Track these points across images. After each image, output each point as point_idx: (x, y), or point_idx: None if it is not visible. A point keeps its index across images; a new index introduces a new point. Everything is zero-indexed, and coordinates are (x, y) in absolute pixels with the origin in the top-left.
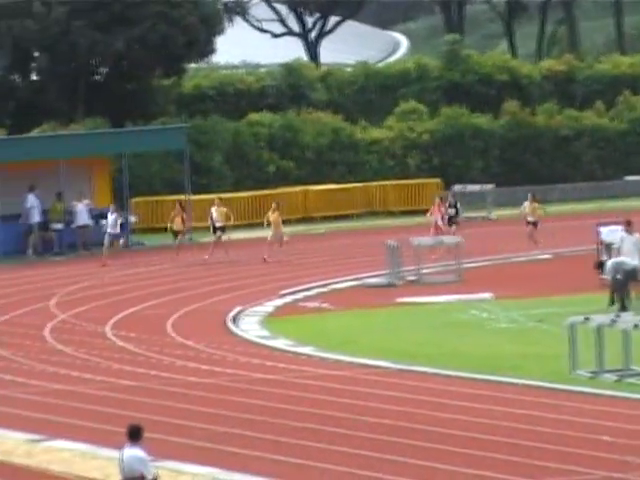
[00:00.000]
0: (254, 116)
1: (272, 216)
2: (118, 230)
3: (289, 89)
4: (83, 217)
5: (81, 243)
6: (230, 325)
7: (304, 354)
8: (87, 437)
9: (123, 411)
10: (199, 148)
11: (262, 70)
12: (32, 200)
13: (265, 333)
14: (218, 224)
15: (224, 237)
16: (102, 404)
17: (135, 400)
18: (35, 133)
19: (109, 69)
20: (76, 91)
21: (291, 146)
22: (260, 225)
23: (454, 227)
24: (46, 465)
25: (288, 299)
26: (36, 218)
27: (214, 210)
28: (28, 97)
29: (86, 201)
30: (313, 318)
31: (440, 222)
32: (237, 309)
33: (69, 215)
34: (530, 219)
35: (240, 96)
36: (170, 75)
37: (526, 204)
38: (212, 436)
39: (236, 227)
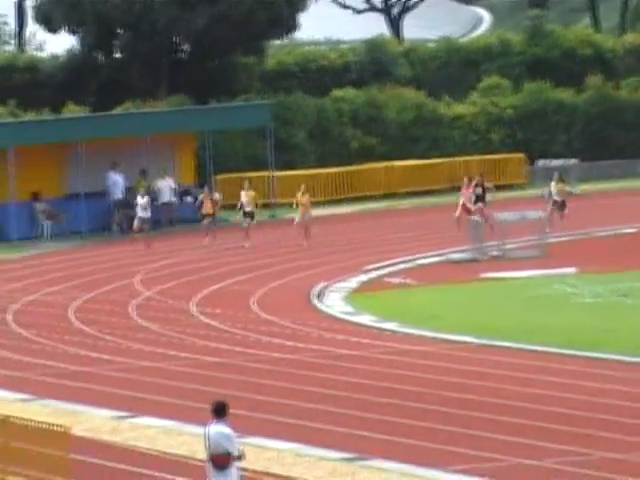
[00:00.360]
0: (337, 92)
1: (302, 198)
2: (149, 214)
3: (372, 65)
4: (166, 194)
5: (166, 220)
6: (314, 301)
7: (388, 330)
8: (173, 414)
9: (208, 387)
10: (282, 125)
11: (345, 46)
12: (113, 177)
13: (349, 309)
14: (248, 209)
15: (250, 222)
16: (187, 381)
17: (220, 376)
18: (119, 111)
19: (191, 47)
20: (159, 69)
21: (374, 122)
22: (344, 201)
23: (479, 205)
24: (132, 442)
25: (372, 275)
26: (118, 195)
27: (243, 194)
28: (111, 75)
29: (169, 178)
30: (397, 294)
31: (469, 203)
32: (321, 285)
33: (153, 192)
34: (556, 199)
35: (323, 72)
36: (252, 53)
37: (553, 184)
38: (297, 412)
39: (320, 204)
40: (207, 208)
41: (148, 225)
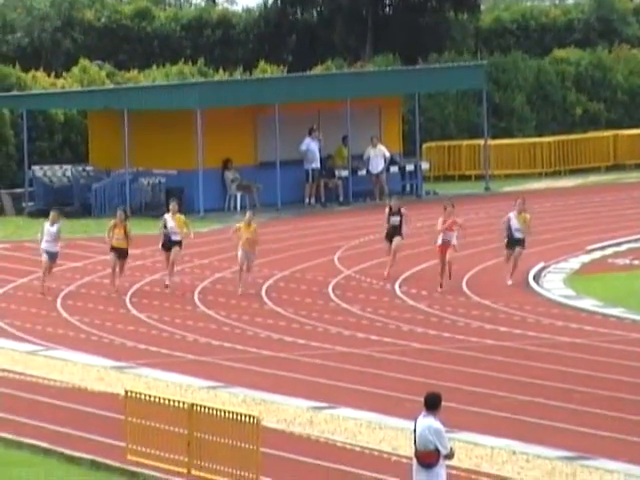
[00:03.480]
0: (560, 53)
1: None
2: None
3: (599, 23)
4: (378, 164)
5: (377, 192)
6: (532, 283)
7: (613, 316)
8: (373, 405)
9: (414, 377)
10: (498, 88)
11: (569, 2)
12: (308, 143)
13: (570, 292)
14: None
15: None
16: (391, 369)
17: (427, 364)
18: (318, 71)
19: (399, 1)
20: (363, 25)
21: (601, 86)
22: (565, 173)
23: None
24: (329, 435)
25: (596, 255)
26: (315, 164)
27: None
28: (310, 32)
29: (381, 146)
30: (623, 276)
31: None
32: (540, 266)
33: (357, 161)
34: None
35: (544, 31)
36: (465, 9)
37: None
38: (511, 405)
39: (538, 176)
40: None
41: None
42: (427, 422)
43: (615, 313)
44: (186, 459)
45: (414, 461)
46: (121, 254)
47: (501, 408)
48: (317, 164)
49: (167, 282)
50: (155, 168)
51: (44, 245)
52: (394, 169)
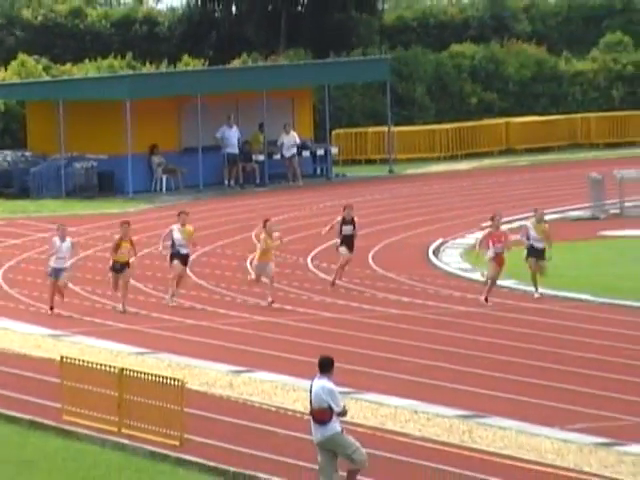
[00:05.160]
0: (456, 47)
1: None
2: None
3: (492, 20)
4: (291, 149)
5: (290, 175)
6: (432, 257)
7: (506, 287)
8: (288, 369)
9: (325, 343)
10: (401, 80)
11: (465, 1)
12: (223, 131)
13: (466, 266)
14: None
15: None
16: (304, 336)
17: (337, 332)
18: (236, 64)
19: (309, 1)
20: (277, 22)
21: (494, 78)
22: (462, 157)
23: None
24: (247, 396)
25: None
26: (233, 149)
27: None
28: (229, 28)
29: (294, 133)
30: (515, 251)
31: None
32: (439, 241)
33: (272, 146)
34: None
35: (442, 27)
36: (366, 10)
37: None
38: (413, 369)
39: (438, 159)
40: None
41: None
42: (321, 383)
43: (507, 284)
44: (117, 419)
45: (311, 419)
46: (123, 268)
47: (404, 371)
48: (234, 149)
49: (170, 302)
50: (88, 153)
51: (55, 263)
52: (306, 154)
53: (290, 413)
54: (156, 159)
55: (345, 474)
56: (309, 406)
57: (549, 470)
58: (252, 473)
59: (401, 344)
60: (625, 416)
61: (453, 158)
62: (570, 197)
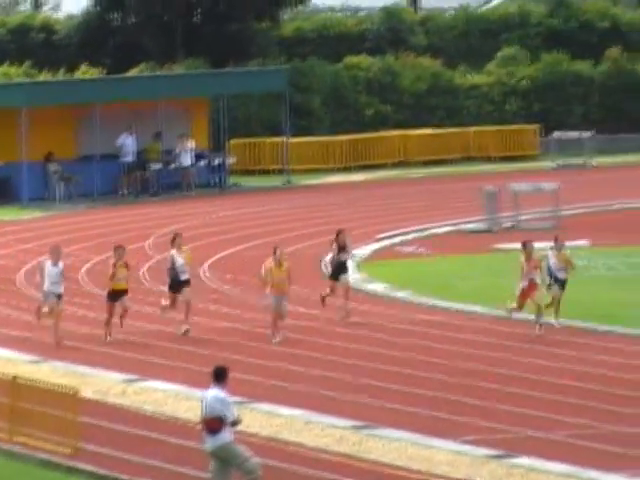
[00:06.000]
0: (353, 59)
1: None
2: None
3: (388, 33)
4: (186, 158)
5: (185, 184)
6: (324, 269)
7: (400, 299)
8: (181, 378)
9: (220, 352)
10: (298, 90)
11: (362, 13)
12: (124, 139)
13: (362, 276)
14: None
15: None
16: (197, 345)
17: (230, 341)
18: (133, 73)
19: (207, 10)
20: (174, 32)
21: (389, 90)
22: (357, 169)
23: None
24: (139, 405)
25: (385, 243)
26: (130, 158)
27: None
28: (126, 37)
29: (190, 143)
30: (410, 263)
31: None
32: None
33: (168, 156)
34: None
35: (339, 39)
36: (266, 19)
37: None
38: (307, 379)
39: (333, 171)
40: None
41: None
42: (214, 392)
43: (402, 296)
44: (8, 427)
45: (202, 428)
46: (121, 295)
47: (298, 381)
48: (131, 158)
49: (186, 327)
50: None
51: (49, 287)
52: (202, 163)
53: (181, 422)
54: (52, 167)
55: None
56: (201, 415)
57: None
58: None
59: (294, 354)
60: (514, 428)
61: (348, 170)
62: (465, 210)
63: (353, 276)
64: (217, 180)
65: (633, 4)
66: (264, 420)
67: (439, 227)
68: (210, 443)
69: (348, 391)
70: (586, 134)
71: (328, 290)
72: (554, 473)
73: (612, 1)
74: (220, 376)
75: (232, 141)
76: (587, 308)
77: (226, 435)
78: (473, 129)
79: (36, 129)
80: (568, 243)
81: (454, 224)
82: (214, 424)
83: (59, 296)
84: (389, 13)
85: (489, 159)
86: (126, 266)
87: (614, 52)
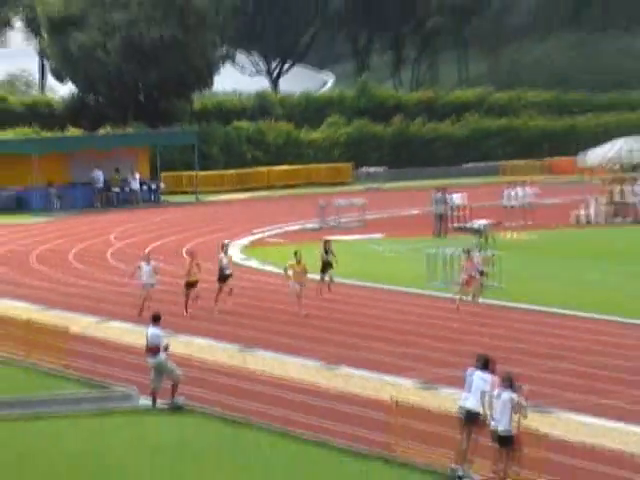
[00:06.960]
0: (239, 124)
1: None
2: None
3: (260, 107)
4: (135, 184)
5: (134, 201)
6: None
7: (268, 270)
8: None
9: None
10: (203, 143)
11: (244, 96)
12: (97, 173)
13: (244, 256)
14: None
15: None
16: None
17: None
18: (101, 132)
19: (147, 92)
20: (127, 106)
21: (261, 142)
22: (241, 191)
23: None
24: (111, 336)
25: (258, 236)
26: (100, 184)
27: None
28: (96, 110)
29: (137, 174)
30: (274, 248)
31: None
32: (226, 241)
33: (124, 183)
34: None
35: (231, 112)
36: (182, 98)
37: None
38: (204, 318)
39: (226, 192)
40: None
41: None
42: (153, 330)
43: (268, 268)
44: (27, 349)
45: (146, 351)
46: (194, 285)
47: (206, 319)
48: (101, 184)
49: (228, 304)
50: None
51: (147, 280)
52: (145, 187)
53: (138, 350)
54: (52, 190)
55: (170, 387)
56: (145, 344)
57: None
58: None
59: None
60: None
61: (236, 191)
62: (306, 215)
63: (237, 255)
64: (154, 198)
65: (409, 89)
66: (183, 346)
67: (291, 226)
68: (152, 360)
69: (224, 324)
70: (380, 169)
71: (319, 278)
72: None
73: (395, 88)
74: (156, 319)
75: (163, 173)
76: (376, 275)
77: (162, 355)
78: (313, 166)
79: (41, 167)
80: (370, 236)
81: (300, 224)
82: (154, 349)
83: (152, 285)
84: (260, 95)
85: (322, 184)
86: (197, 266)
87: (397, 120)
